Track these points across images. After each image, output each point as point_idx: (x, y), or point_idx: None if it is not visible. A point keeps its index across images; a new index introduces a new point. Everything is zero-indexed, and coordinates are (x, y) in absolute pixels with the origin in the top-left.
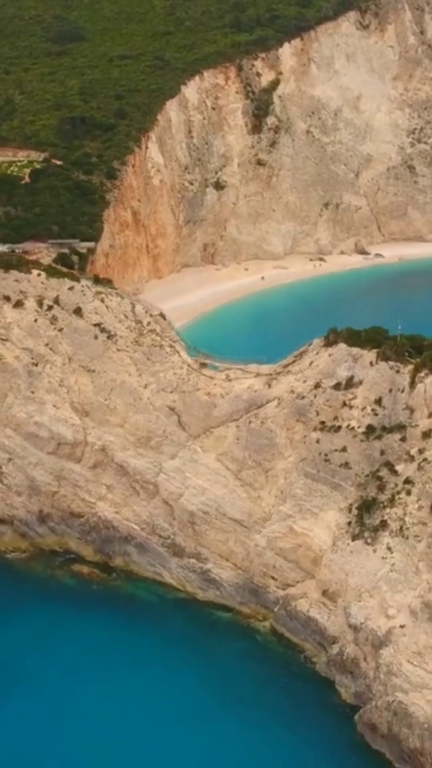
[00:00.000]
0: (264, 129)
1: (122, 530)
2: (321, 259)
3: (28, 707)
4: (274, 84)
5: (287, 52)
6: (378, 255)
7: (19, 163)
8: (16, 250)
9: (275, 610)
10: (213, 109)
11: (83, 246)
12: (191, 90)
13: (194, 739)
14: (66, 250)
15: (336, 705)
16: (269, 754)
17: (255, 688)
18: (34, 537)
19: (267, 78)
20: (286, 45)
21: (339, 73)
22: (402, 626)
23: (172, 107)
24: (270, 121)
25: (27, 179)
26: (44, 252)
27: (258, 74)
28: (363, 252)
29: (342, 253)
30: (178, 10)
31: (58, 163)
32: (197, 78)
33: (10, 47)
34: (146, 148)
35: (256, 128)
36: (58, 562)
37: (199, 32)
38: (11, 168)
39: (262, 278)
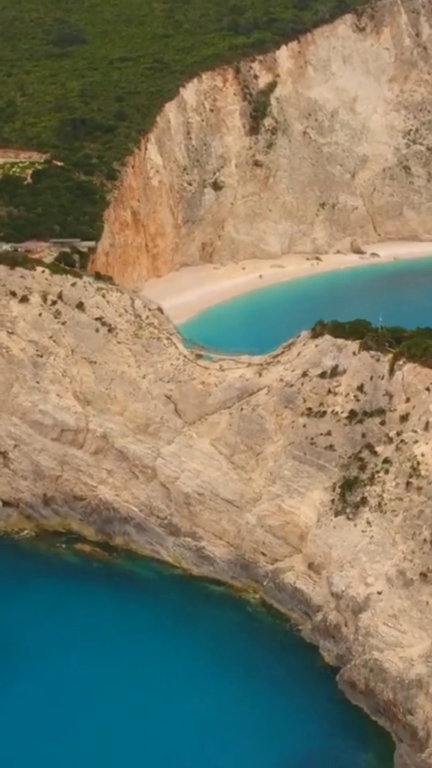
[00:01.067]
0: (261, 130)
1: (122, 511)
2: (317, 259)
3: (33, 675)
4: (272, 86)
5: (284, 55)
6: (374, 254)
7: (21, 164)
8: (19, 249)
9: (265, 583)
10: (211, 110)
11: (84, 245)
12: (190, 92)
13: (189, 700)
14: (67, 249)
15: (319, 667)
16: (258, 711)
17: (245, 654)
18: (39, 519)
19: (264, 80)
20: (283, 48)
21: (335, 75)
22: (379, 593)
23: (171, 109)
24: (267, 122)
25: (29, 180)
26: (46, 251)
27: (255, 76)
28: (359, 251)
29: (338, 252)
30: (176, 13)
31: (60, 164)
32: (196, 80)
33: (11, 49)
34: (145, 149)
35: (254, 130)
36: (62, 541)
37: (198, 35)
38: (14, 169)
39: (260, 277)
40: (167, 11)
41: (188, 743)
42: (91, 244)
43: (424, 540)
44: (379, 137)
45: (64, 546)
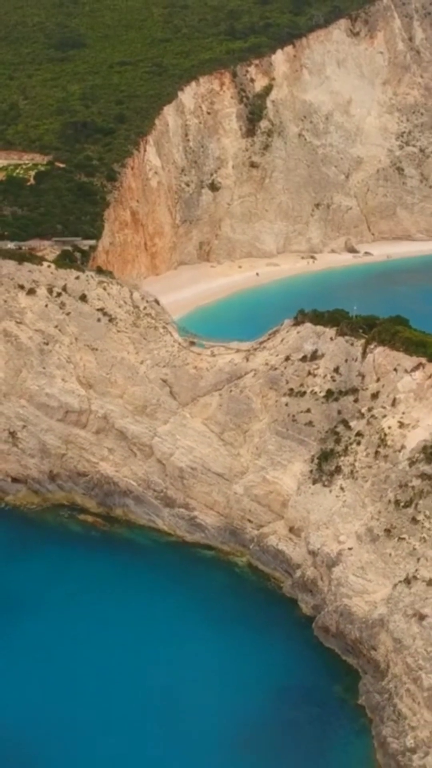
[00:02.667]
0: (257, 133)
1: (122, 485)
2: (312, 257)
3: (40, 628)
4: (268, 89)
5: (280, 59)
6: (367, 253)
7: (24, 166)
8: (23, 248)
9: (251, 546)
10: (208, 113)
11: (85, 243)
12: (188, 95)
13: (181, 646)
14: (69, 247)
15: (298, 617)
16: (243, 654)
17: (232, 608)
18: (45, 493)
19: (260, 83)
20: (279, 52)
21: (330, 79)
22: (350, 548)
23: (169, 112)
24: (263, 125)
25: (32, 181)
26: (49, 249)
27: (252, 80)
28: (353, 250)
29: (332, 251)
30: (175, 18)
31: (62, 165)
32: (193, 84)
33: (14, 53)
34: (145, 151)
35: (250, 132)
36: (66, 513)
37: (196, 39)
38: (17, 170)
39: (257, 274)
40: (166, 16)
41: (181, 681)
42: (92, 242)
43: (389, 501)
44: (372, 139)
45: (68, 517)
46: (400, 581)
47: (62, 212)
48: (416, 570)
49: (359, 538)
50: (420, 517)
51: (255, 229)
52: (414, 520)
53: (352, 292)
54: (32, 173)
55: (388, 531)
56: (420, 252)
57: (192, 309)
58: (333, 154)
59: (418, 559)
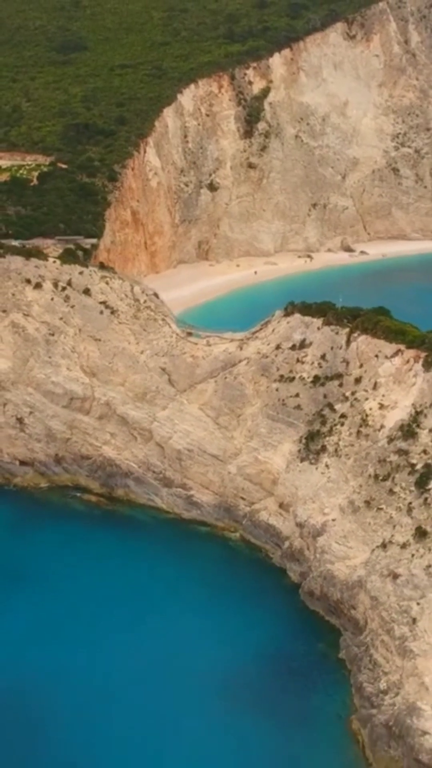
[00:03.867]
0: (255, 134)
1: (123, 467)
2: (309, 256)
3: (46, 595)
4: (265, 92)
5: (277, 62)
6: (363, 252)
7: (27, 167)
8: (27, 246)
9: (243, 522)
10: (207, 115)
11: (87, 242)
12: (187, 98)
13: (177, 612)
14: (72, 246)
15: (287, 584)
16: (235, 618)
17: (226, 577)
18: (51, 475)
19: (258, 86)
20: (277, 55)
21: (327, 81)
22: (333, 519)
23: (169, 114)
24: (261, 126)
25: (35, 181)
26: (52, 247)
27: (250, 82)
28: (349, 249)
29: (329, 250)
30: (174, 21)
31: (64, 166)
32: (192, 86)
33: (16, 56)
34: (145, 152)
35: (248, 133)
36: (71, 493)
37: (195, 43)
38: (21, 171)
39: (255, 273)
40: (165, 20)
41: (179, 641)
42: (94, 241)
43: (369, 475)
44: (368, 140)
45: (73, 497)
46: (377, 546)
47: (65, 212)
48: (392, 535)
49: (342, 510)
50: (396, 489)
51: (253, 228)
52: (391, 492)
53: (346, 289)
54: (35, 174)
55: (367, 502)
56: (414, 251)
57: (191, 305)
58: (329, 155)
59: (394, 526)
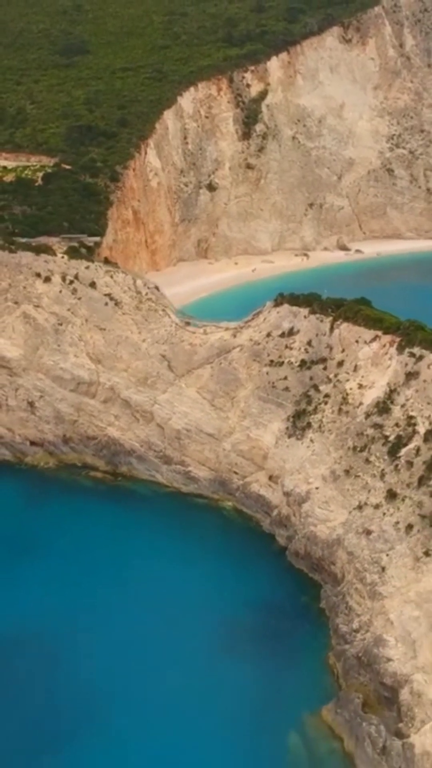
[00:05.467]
0: (253, 135)
1: (126, 447)
2: (305, 255)
3: (57, 560)
4: (263, 94)
5: (275, 65)
6: (358, 251)
7: (32, 168)
8: (32, 244)
9: (236, 494)
10: (206, 117)
11: (90, 240)
12: (187, 100)
13: (176, 573)
14: (75, 244)
15: (275, 548)
16: (228, 578)
17: (220, 542)
18: (60, 454)
19: (256, 89)
20: (274, 58)
21: (323, 84)
22: (317, 488)
23: (169, 116)
24: (259, 128)
25: (40, 182)
26: (56, 245)
27: (248, 85)
28: (344, 248)
29: (325, 249)
30: (175, 25)
31: (67, 167)
32: (192, 89)
33: (20, 60)
34: (145, 153)
35: (246, 135)
36: (78, 471)
37: (195, 46)
38: (26, 172)
39: (252, 271)
40: (166, 23)
41: (177, 598)
42: (97, 239)
43: (348, 447)
44: (364, 142)
45: (80, 474)
46: (354, 508)
47: (68, 211)
48: (367, 498)
49: (324, 479)
50: (372, 458)
51: (251, 227)
52: (367, 461)
53: (341, 286)
54: (40, 174)
55: (347, 471)
56: (408, 250)
57: (190, 301)
58: (326, 156)
59: (369, 491)
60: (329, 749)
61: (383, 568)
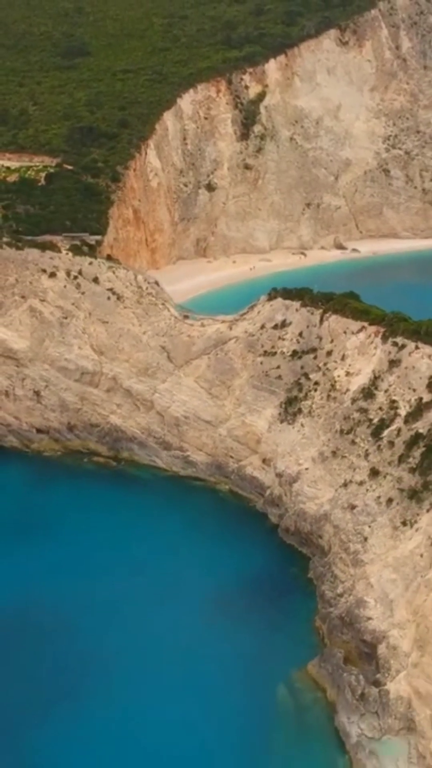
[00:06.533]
0: (251, 136)
1: (128, 433)
2: (303, 253)
3: (61, 539)
4: (261, 96)
5: (273, 67)
6: (355, 250)
7: (35, 168)
8: (38, 241)
9: (232, 477)
10: (205, 118)
11: (92, 239)
12: (186, 102)
13: (173, 550)
14: (77, 242)
15: (267, 526)
16: (223, 552)
17: (216, 521)
18: (64, 441)
19: (254, 90)
20: (272, 60)
21: (320, 86)
22: (306, 468)
23: (168, 117)
24: (257, 129)
25: (43, 182)
26: (60, 243)
27: (246, 87)
28: (341, 247)
29: (322, 248)
30: (174, 28)
31: (69, 167)
32: (191, 91)
33: (22, 62)
34: (146, 154)
35: (244, 136)
36: (82, 456)
37: (194, 48)
38: (29, 172)
39: (251, 269)
40: (166, 26)
41: (175, 570)
42: (98, 237)
43: (335, 431)
44: (361, 142)
45: (83, 459)
46: (340, 486)
47: (70, 210)
48: (352, 476)
49: (313, 460)
50: (357, 440)
51: (249, 226)
52: (353, 442)
53: (340, 283)
54: (43, 174)
55: (334, 452)
56: (404, 249)
57: (190, 297)
58: (323, 156)
59: (354, 469)
60: (314, 698)
61: (365, 539)
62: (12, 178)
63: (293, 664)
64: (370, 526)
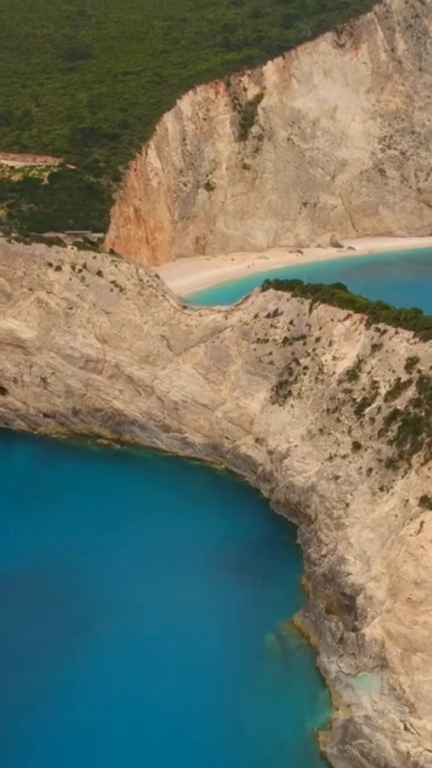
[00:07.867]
0: (249, 137)
1: (130, 417)
2: (299, 251)
3: (69, 513)
4: (259, 97)
5: (271, 69)
6: (350, 248)
7: (38, 168)
8: (44, 236)
9: (227, 456)
10: (204, 119)
11: (94, 236)
12: (185, 103)
13: (172, 522)
14: (80, 239)
15: (259, 500)
16: (218, 523)
17: (212, 497)
18: (70, 425)
19: (252, 92)
20: (270, 63)
21: (317, 87)
22: (295, 446)
23: (168, 118)
24: (255, 130)
25: (46, 181)
26: (63, 241)
27: (244, 89)
28: (337, 245)
29: (319, 246)
30: (174, 30)
31: (72, 167)
32: (191, 92)
33: (25, 64)
34: (146, 154)
35: (243, 136)
36: (86, 439)
37: (193, 51)
38: (32, 171)
39: (249, 266)
40: (166, 29)
41: (174, 536)
42: (100, 235)
43: (323, 410)
44: (357, 143)
45: (88, 441)
46: (325, 459)
47: (73, 209)
48: (336, 451)
49: (302, 438)
50: (342, 418)
51: (247, 225)
52: (338, 420)
53: (336, 281)
54: (46, 174)
55: (321, 430)
56: (399, 247)
57: (189, 293)
58: (319, 156)
59: (339, 444)
60: (298, 644)
61: (347, 505)
62: (16, 177)
63: (281, 616)
64: (351, 494)
